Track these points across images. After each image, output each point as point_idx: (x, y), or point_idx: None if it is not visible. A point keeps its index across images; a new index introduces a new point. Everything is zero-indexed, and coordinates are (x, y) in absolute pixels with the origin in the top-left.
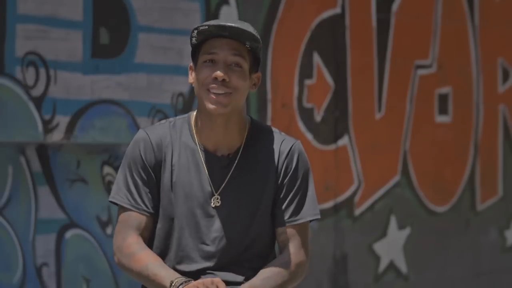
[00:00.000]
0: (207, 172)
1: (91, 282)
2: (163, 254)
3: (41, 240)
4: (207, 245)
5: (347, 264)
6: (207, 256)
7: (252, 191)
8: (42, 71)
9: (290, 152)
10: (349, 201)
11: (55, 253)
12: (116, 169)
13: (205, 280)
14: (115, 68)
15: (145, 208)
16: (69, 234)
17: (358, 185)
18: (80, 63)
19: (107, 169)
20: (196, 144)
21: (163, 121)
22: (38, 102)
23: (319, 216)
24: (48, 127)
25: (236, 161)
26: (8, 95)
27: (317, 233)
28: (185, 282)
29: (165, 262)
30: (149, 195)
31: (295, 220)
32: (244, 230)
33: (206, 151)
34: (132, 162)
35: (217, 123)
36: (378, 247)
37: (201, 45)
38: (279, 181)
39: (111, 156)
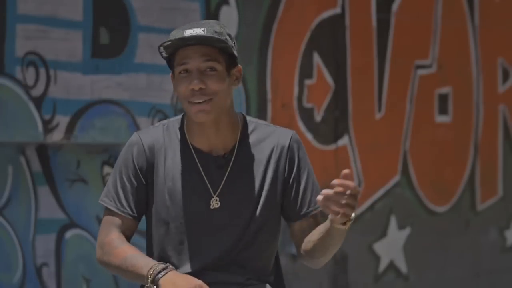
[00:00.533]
0: (203, 174)
1: (91, 282)
2: (162, 258)
3: (41, 240)
4: (209, 246)
5: (347, 264)
6: (209, 257)
7: (251, 189)
8: (42, 71)
9: (290, 145)
10: None
11: (55, 253)
12: None
13: (191, 282)
14: (115, 68)
15: (130, 212)
16: (69, 234)
17: (358, 185)
18: (80, 63)
19: (107, 169)
20: (190, 146)
21: (157, 124)
22: (38, 102)
23: None
24: (48, 127)
25: (232, 160)
26: (8, 95)
27: None
28: (164, 269)
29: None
30: (136, 199)
31: (311, 212)
32: (245, 229)
33: (201, 153)
34: (124, 166)
35: (207, 126)
36: (378, 247)
37: (174, 55)
38: (285, 175)
39: (111, 156)
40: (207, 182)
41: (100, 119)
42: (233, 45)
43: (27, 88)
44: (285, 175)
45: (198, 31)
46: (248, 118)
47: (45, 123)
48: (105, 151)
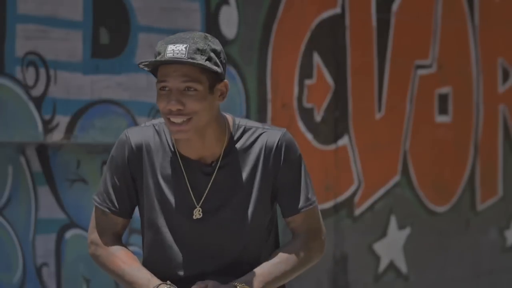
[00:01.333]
0: (188, 184)
1: (91, 282)
2: (151, 261)
3: (41, 240)
4: (194, 256)
5: (347, 264)
6: (195, 266)
7: (238, 196)
8: (42, 71)
9: (278, 145)
10: (349, 201)
11: (55, 253)
12: None
13: None
14: (115, 68)
15: (119, 211)
16: (69, 234)
17: (358, 185)
18: (80, 63)
19: None
20: (176, 153)
21: (148, 123)
22: (38, 102)
23: (316, 202)
24: (48, 127)
25: (217, 169)
26: (8, 95)
27: None
28: None
29: (156, 271)
30: (125, 197)
31: (300, 209)
32: (235, 237)
33: (187, 161)
34: (113, 164)
35: (192, 139)
36: (378, 247)
37: (156, 68)
38: (274, 177)
39: None
40: (191, 192)
41: (100, 119)
42: (218, 61)
43: (27, 88)
44: (274, 177)
45: (180, 48)
46: (237, 121)
47: (45, 123)
48: (105, 151)
